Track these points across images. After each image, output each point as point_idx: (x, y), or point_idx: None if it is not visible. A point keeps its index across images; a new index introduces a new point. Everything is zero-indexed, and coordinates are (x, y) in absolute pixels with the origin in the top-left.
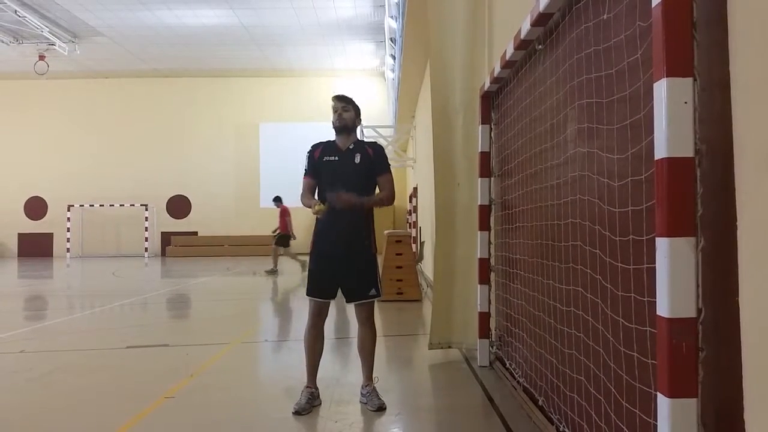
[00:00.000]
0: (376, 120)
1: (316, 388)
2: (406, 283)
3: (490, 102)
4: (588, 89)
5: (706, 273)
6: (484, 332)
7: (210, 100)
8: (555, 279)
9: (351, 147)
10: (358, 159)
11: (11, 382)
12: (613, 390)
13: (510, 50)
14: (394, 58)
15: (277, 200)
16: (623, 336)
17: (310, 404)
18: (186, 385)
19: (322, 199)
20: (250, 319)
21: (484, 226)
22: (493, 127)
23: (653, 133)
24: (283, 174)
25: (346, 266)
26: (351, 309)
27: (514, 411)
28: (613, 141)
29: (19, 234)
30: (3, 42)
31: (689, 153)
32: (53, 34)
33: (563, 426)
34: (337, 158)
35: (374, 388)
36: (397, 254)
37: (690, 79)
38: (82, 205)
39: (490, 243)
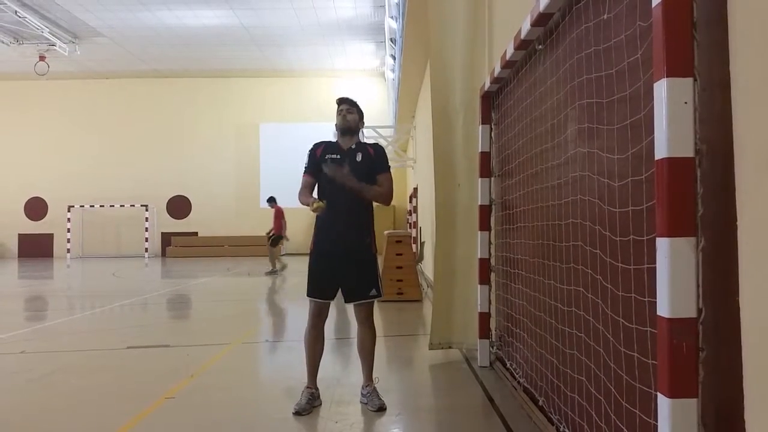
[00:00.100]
0: (376, 120)
1: (317, 389)
2: (407, 284)
3: (491, 102)
4: (588, 89)
5: (707, 273)
6: (484, 332)
7: (210, 100)
8: (555, 279)
9: (353, 147)
10: (359, 158)
11: (12, 383)
12: (614, 390)
13: (510, 50)
14: (394, 58)
15: (272, 201)
16: (624, 336)
17: (310, 404)
18: (186, 385)
19: (321, 197)
20: (250, 319)
21: (484, 226)
22: (493, 127)
23: (653, 133)
24: (283, 174)
25: (346, 265)
26: (351, 309)
27: (515, 411)
28: (614, 141)
29: (19, 234)
30: (3, 42)
31: (689, 153)
32: (54, 35)
33: (563, 426)
34: (338, 156)
35: (374, 388)
36: (397, 254)
37: (690, 79)
38: (83, 206)
39: (490, 243)
